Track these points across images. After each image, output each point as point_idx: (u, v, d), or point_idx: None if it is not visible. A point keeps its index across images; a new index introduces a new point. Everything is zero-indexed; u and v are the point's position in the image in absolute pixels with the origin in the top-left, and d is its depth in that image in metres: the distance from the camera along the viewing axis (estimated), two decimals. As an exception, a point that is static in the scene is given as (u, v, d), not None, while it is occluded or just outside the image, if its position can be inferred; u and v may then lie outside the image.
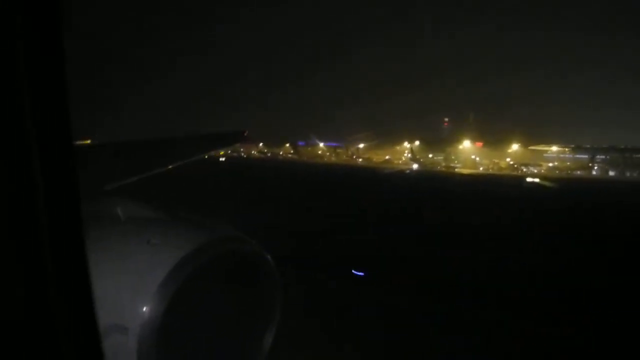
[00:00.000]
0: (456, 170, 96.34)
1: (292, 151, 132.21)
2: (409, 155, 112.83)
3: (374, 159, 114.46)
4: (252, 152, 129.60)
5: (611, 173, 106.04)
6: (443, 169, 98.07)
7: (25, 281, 0.89)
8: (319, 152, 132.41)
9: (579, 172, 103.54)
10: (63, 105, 0.95)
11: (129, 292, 1.93)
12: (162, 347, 1.91)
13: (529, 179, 67.17)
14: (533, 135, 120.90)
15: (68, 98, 0.94)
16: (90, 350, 1.01)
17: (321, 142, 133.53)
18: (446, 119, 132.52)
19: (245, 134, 5.58)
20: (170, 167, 3.98)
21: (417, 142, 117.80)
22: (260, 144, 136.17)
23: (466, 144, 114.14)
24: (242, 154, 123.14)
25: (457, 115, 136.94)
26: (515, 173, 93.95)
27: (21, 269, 0.88)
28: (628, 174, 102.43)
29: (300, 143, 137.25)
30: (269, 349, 2.30)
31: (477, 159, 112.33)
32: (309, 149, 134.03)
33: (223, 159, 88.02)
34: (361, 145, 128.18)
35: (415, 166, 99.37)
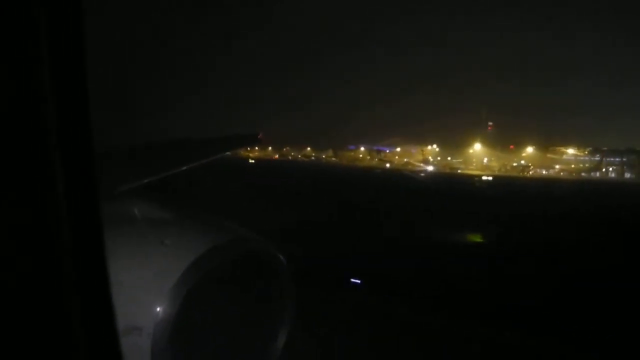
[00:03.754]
0: (459, 171, 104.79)
1: (333, 156, 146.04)
2: (430, 158, 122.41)
3: (395, 162, 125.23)
4: (299, 156, 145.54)
5: (627, 175, 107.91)
6: (447, 170, 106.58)
7: (45, 283, 0.89)
8: (360, 155, 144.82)
9: (597, 174, 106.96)
10: (84, 107, 0.97)
11: (143, 293, 1.95)
12: (176, 347, 1.92)
13: (484, 177, 76.20)
14: (551, 138, 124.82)
15: (89, 100, 0.97)
16: (108, 352, 1.03)
17: (368, 146, 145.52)
18: (490, 123, 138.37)
19: (260, 137, 5.66)
20: (184, 169, 3.99)
21: (434, 146, 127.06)
22: (308, 148, 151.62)
23: (477, 147, 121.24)
24: (290, 157, 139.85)
25: (476, 118, 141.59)
26: (515, 174, 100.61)
27: (42, 272, 0.89)
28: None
29: (351, 147, 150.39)
30: (282, 348, 2.31)
31: (486, 161, 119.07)
32: (352, 153, 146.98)
33: (252, 161, 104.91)
34: (398, 149, 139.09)
35: (430, 168, 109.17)
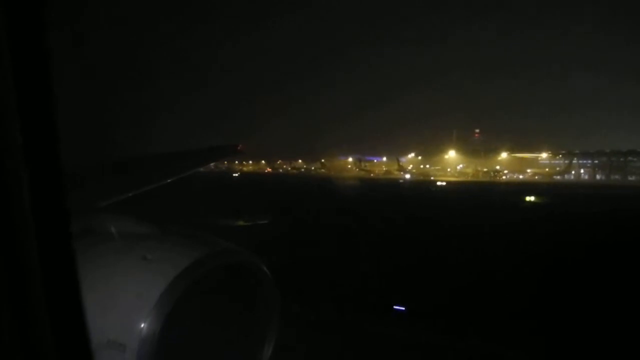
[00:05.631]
0: (431, 178, 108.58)
1: (322, 167, 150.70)
2: (410, 166, 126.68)
3: (376, 171, 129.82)
4: (288, 168, 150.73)
5: (598, 177, 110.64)
6: (421, 177, 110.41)
7: (12, 299, 0.87)
8: (348, 166, 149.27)
9: (571, 177, 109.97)
10: (51, 119, 0.95)
11: (126, 309, 1.93)
12: None
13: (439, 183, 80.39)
14: (523, 143, 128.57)
15: (56, 112, 0.95)
16: None
17: (357, 156, 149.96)
18: (477, 130, 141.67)
19: (239, 148, 5.58)
20: (165, 182, 4.02)
21: (412, 155, 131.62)
22: (299, 160, 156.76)
23: (452, 154, 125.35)
24: (281, 170, 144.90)
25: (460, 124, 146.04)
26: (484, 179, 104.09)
27: (9, 286, 0.87)
28: (617, 177, 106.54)
29: (342, 157, 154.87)
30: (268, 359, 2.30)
31: (461, 167, 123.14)
32: (341, 163, 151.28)
33: (237, 174, 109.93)
34: (384, 159, 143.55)
35: (407, 176, 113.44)
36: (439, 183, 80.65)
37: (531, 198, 45.06)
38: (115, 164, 4.21)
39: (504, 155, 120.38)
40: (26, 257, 0.89)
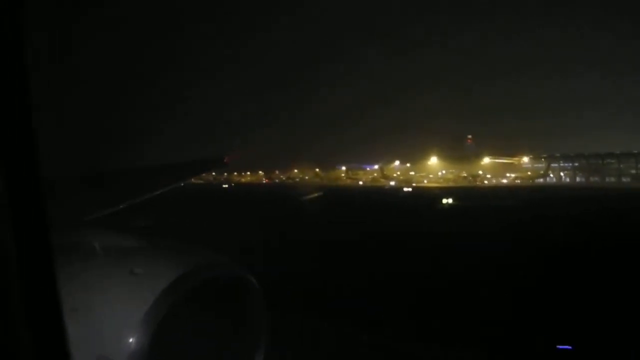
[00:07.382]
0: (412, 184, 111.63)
1: (316, 176, 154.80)
2: (397, 173, 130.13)
3: (364, 179, 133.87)
4: (283, 178, 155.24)
5: (578, 179, 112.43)
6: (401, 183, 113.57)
7: None
8: (342, 175, 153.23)
9: (553, 179, 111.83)
10: (29, 128, 0.91)
11: (114, 324, 1.91)
12: None
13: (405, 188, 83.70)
14: (511, 147, 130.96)
15: (33, 120, 0.91)
16: None
17: (352, 165, 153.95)
18: (469, 136, 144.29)
19: (226, 161, 5.53)
20: (151, 195, 3.99)
21: (397, 162, 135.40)
22: (295, 170, 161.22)
23: (434, 161, 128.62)
24: (277, 180, 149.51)
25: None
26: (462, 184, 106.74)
27: None
28: (597, 179, 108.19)
29: (339, 167, 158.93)
30: None
31: (443, 173, 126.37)
32: (336, 173, 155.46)
33: (226, 185, 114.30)
34: (376, 166, 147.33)
35: (392, 183, 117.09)
36: (405, 189, 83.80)
37: (449, 200, 47.96)
38: (97, 176, 4.19)
39: (486, 160, 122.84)
40: (5, 274, 0.87)
